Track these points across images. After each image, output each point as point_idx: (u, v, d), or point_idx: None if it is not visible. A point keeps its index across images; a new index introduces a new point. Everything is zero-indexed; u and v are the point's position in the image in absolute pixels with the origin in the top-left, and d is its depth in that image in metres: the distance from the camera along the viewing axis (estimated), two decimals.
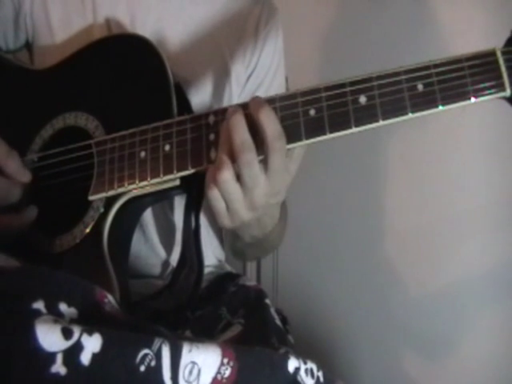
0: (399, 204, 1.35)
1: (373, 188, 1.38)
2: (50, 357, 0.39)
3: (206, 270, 0.82)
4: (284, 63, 0.93)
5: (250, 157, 0.54)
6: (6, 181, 0.65)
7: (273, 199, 0.59)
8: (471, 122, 1.21)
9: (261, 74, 0.88)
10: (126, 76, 0.70)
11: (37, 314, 0.42)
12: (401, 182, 1.36)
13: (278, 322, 0.72)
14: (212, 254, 0.90)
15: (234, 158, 0.56)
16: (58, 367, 0.39)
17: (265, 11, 0.88)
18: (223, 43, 0.85)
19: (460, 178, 1.28)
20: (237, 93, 0.86)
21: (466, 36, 1.18)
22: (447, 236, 1.28)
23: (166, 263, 0.82)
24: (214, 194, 0.57)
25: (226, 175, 0.55)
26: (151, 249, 0.81)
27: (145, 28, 0.79)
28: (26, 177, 0.67)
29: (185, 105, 0.67)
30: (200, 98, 0.80)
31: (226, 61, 0.85)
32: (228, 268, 0.93)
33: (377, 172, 1.38)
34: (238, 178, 0.56)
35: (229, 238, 0.86)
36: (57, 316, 0.42)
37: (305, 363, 0.49)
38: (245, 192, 0.56)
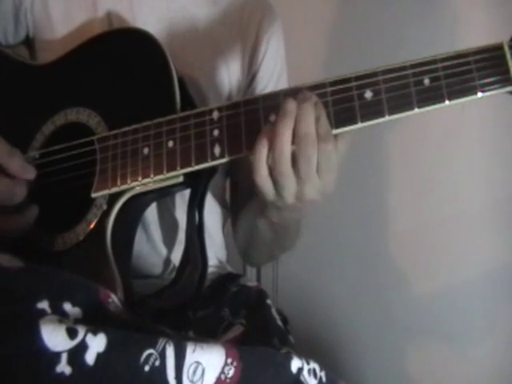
0: (399, 204, 1.35)
1: (373, 188, 1.38)
2: (55, 356, 0.39)
3: (208, 270, 0.81)
4: (286, 64, 0.92)
5: (310, 151, 0.54)
6: (9, 181, 0.63)
7: (319, 196, 0.59)
8: (472, 122, 1.21)
9: (264, 79, 0.88)
10: (128, 71, 0.69)
11: (41, 313, 0.42)
12: (401, 183, 1.35)
13: (279, 322, 0.72)
14: (214, 255, 0.89)
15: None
16: (63, 367, 0.39)
17: (266, 17, 0.88)
18: (224, 46, 0.85)
19: (460, 178, 1.27)
20: (236, 97, 0.85)
21: (468, 33, 1.18)
22: (448, 236, 1.28)
23: (167, 262, 0.81)
24: (263, 171, 0.56)
25: (285, 148, 0.54)
26: (153, 248, 0.80)
27: (146, 28, 0.79)
28: (30, 173, 0.65)
29: (188, 100, 0.67)
30: (198, 100, 0.80)
31: (227, 64, 0.84)
32: (229, 269, 0.93)
33: (377, 172, 1.37)
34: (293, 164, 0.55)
35: (244, 247, 0.86)
36: (61, 316, 0.42)
37: (307, 363, 0.49)
38: (297, 181, 0.56)
